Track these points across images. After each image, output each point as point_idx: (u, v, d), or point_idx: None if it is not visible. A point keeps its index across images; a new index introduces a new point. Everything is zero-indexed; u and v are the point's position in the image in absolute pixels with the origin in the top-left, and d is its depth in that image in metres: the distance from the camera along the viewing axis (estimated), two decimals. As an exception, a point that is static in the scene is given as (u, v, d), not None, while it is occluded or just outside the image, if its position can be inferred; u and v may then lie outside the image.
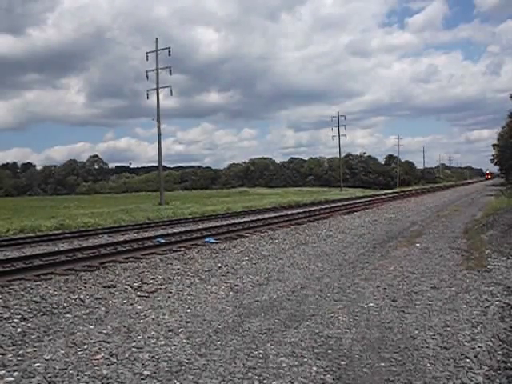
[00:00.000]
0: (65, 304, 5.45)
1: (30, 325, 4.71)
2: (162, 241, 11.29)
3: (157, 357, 3.79)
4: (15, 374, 3.47)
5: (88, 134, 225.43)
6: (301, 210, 22.41)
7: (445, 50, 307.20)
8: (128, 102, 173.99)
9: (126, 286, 6.37)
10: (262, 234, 12.33)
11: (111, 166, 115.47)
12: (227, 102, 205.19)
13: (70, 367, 3.58)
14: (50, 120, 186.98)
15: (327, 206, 26.12)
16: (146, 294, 5.95)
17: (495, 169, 75.55)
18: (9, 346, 4.09)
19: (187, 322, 4.72)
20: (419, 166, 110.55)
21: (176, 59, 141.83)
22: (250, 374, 3.45)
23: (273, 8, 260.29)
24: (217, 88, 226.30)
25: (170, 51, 32.97)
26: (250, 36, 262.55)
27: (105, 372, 3.49)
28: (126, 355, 3.83)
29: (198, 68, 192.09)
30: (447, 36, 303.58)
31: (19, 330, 4.54)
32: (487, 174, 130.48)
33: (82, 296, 5.81)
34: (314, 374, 3.45)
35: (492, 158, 61.31)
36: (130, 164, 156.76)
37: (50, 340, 4.24)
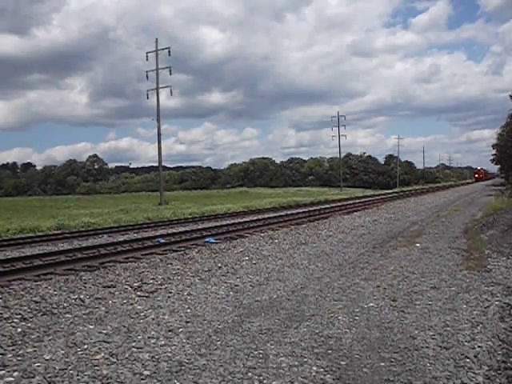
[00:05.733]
0: (65, 304, 5.45)
1: (29, 325, 4.70)
2: (162, 241, 11.30)
3: (157, 357, 3.79)
4: (15, 373, 3.47)
5: (90, 134, 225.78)
6: (301, 210, 22.42)
7: (448, 50, 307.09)
8: (130, 102, 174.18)
9: (126, 286, 6.37)
10: (262, 234, 12.32)
11: (111, 165, 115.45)
12: (229, 101, 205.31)
13: (69, 367, 3.58)
14: (52, 120, 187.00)
15: (327, 205, 26.12)
16: (146, 294, 5.95)
17: (495, 168, 75.02)
18: (9, 346, 4.09)
19: (187, 322, 4.72)
20: (419, 166, 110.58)
21: (180, 59, 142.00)
22: (250, 373, 3.45)
23: (278, 8, 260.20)
24: (219, 88, 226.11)
25: (169, 51, 33.12)
26: (254, 36, 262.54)
27: (105, 372, 3.49)
28: (126, 355, 3.83)
29: (201, 68, 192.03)
30: (451, 36, 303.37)
31: (19, 329, 4.53)
32: (478, 171, 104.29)
33: (82, 296, 5.81)
34: (314, 373, 3.45)
35: (492, 157, 61.26)
36: (130, 164, 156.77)
37: (50, 340, 4.24)
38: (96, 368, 3.57)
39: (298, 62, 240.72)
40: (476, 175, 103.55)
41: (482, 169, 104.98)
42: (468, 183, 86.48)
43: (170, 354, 3.84)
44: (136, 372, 3.49)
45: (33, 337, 4.34)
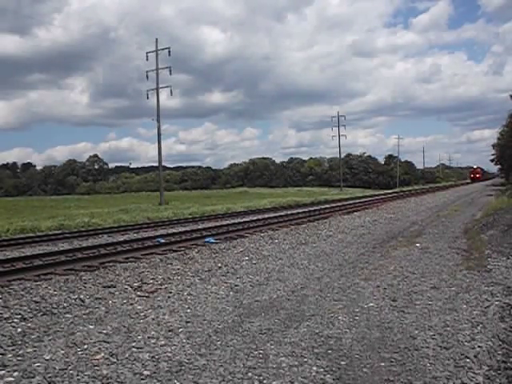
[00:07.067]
0: (65, 304, 5.45)
1: (29, 325, 4.71)
2: (162, 241, 11.30)
3: (157, 357, 3.79)
4: (15, 373, 3.48)
5: (90, 134, 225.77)
6: (301, 210, 22.42)
7: (449, 50, 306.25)
8: (130, 102, 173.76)
9: (126, 286, 6.37)
10: (262, 234, 12.33)
11: (111, 165, 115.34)
12: (230, 101, 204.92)
13: (70, 367, 3.58)
14: (53, 120, 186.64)
15: (327, 205, 26.12)
16: (146, 294, 5.95)
17: (495, 168, 74.62)
18: (9, 346, 4.09)
19: (187, 322, 4.72)
20: (419, 166, 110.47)
21: (181, 59, 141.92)
22: (250, 373, 3.45)
23: (279, 8, 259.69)
24: (220, 88, 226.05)
25: (169, 51, 33.09)
26: (255, 36, 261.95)
27: (105, 372, 3.49)
28: (126, 355, 3.83)
29: (202, 68, 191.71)
30: (451, 36, 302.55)
31: (19, 329, 4.54)
32: (474, 170, 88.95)
33: (82, 296, 5.81)
34: (313, 373, 3.45)
35: (492, 157, 61.26)
36: (130, 164, 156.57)
37: (50, 340, 4.24)
38: (96, 368, 3.57)
39: (298, 62, 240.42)
40: (472, 175, 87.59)
41: (478, 168, 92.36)
42: (468, 183, 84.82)
43: (170, 354, 3.84)
44: (136, 372, 3.49)
45: (33, 337, 4.34)
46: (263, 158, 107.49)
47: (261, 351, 3.89)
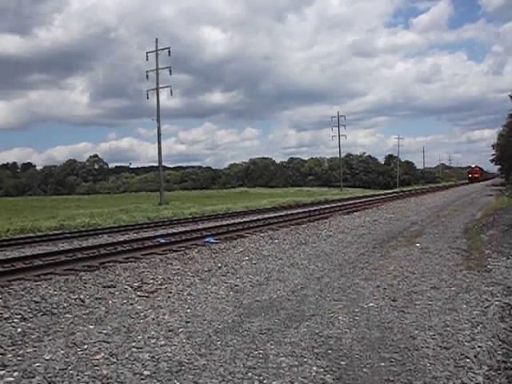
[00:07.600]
0: (65, 304, 5.45)
1: (29, 325, 4.70)
2: (162, 241, 11.30)
3: (157, 357, 3.79)
4: (15, 374, 3.47)
5: (90, 134, 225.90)
6: (301, 210, 22.42)
7: (449, 50, 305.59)
8: (131, 102, 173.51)
9: (126, 286, 6.37)
10: (262, 234, 12.33)
11: (111, 165, 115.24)
12: (230, 101, 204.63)
13: (69, 367, 3.58)
14: (53, 120, 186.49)
15: (327, 205, 26.13)
16: (146, 294, 5.95)
17: (495, 168, 74.42)
18: (9, 346, 4.09)
19: (187, 322, 4.72)
20: (419, 166, 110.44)
21: (181, 59, 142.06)
22: (250, 373, 3.45)
23: (280, 8, 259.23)
24: (220, 88, 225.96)
25: (169, 51, 33.10)
26: (255, 36, 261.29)
27: (105, 372, 3.49)
28: (126, 355, 3.83)
29: (202, 68, 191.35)
30: (452, 36, 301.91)
31: (19, 329, 4.53)
32: (472, 170, 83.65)
33: (82, 296, 5.81)
34: (313, 373, 3.45)
35: (492, 157, 61.29)
36: (130, 164, 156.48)
37: (50, 340, 4.24)
38: (96, 368, 3.57)
39: (299, 62, 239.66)
40: (470, 175, 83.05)
41: (477, 167, 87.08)
42: (468, 183, 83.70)
43: (170, 354, 3.84)
44: (136, 372, 3.49)
45: (33, 337, 4.34)
46: (263, 158, 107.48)
47: (261, 351, 3.89)
